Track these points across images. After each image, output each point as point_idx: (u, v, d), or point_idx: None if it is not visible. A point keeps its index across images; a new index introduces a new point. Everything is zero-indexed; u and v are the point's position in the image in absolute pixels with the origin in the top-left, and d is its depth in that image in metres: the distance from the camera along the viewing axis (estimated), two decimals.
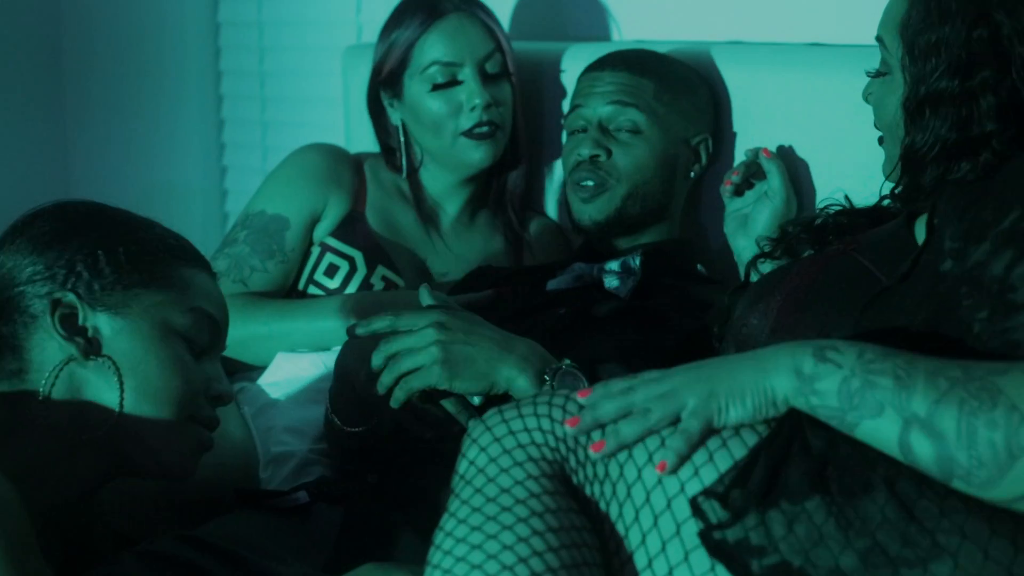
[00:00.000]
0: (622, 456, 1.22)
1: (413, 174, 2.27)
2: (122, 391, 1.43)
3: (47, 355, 1.43)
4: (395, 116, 2.26)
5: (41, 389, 1.42)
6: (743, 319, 1.50)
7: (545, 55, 2.34)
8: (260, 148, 3.17)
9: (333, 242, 2.19)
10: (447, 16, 2.17)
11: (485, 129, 2.17)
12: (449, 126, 2.18)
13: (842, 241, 1.54)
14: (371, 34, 2.84)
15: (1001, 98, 1.37)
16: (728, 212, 1.99)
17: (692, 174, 2.07)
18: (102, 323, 1.44)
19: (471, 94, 2.15)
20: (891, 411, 1.16)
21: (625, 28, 2.42)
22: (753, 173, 1.95)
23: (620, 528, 1.22)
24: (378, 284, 2.19)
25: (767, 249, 1.68)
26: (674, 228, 2.09)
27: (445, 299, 1.66)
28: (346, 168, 2.26)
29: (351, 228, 2.20)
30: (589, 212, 2.01)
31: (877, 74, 1.54)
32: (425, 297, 1.64)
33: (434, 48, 2.16)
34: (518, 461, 1.22)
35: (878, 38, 1.52)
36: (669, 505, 1.20)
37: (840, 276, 1.44)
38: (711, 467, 1.20)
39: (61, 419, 1.42)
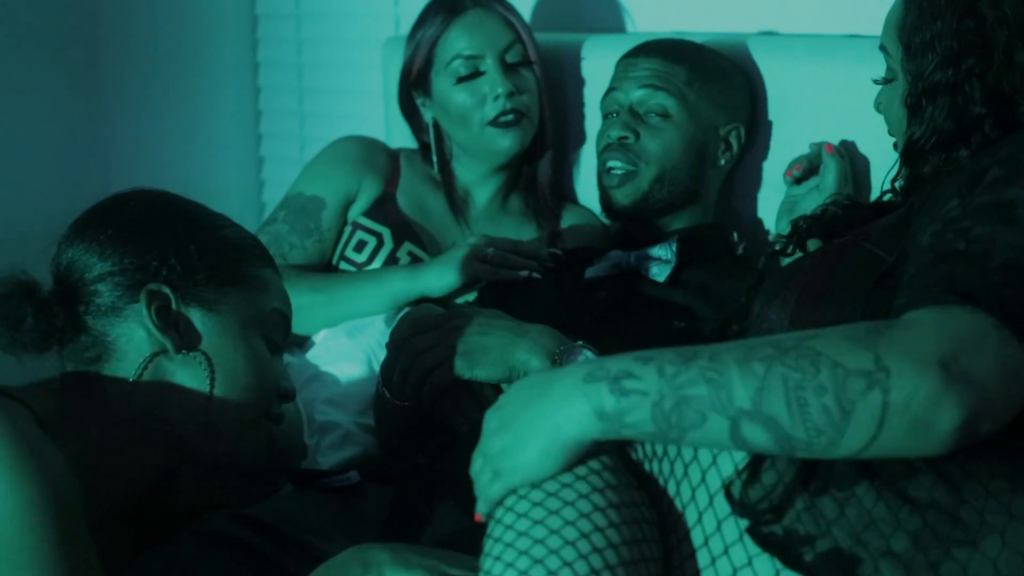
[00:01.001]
0: None
1: (446, 167, 2.35)
2: (212, 386, 1.44)
3: (134, 344, 1.43)
4: (427, 114, 2.34)
5: (129, 378, 1.42)
6: (762, 315, 1.53)
7: (565, 46, 2.39)
8: (297, 139, 3.21)
9: (364, 220, 2.29)
10: (466, 12, 2.25)
11: (510, 117, 2.23)
12: (475, 117, 2.24)
13: (850, 232, 1.57)
14: (409, 26, 2.88)
15: (987, 84, 1.46)
16: (785, 198, 2.04)
17: (723, 162, 2.10)
18: (195, 317, 1.45)
19: (493, 84, 2.22)
20: (714, 415, 1.14)
21: (643, 20, 2.47)
22: (814, 166, 2.00)
23: (678, 505, 1.22)
24: (404, 259, 2.26)
25: (779, 247, 1.72)
26: (707, 213, 2.12)
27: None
28: (382, 155, 2.36)
29: (381, 208, 2.29)
30: (617, 197, 2.06)
31: (884, 81, 1.61)
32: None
33: (456, 43, 2.24)
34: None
35: (881, 47, 1.60)
36: (723, 486, 1.21)
37: (851, 264, 1.47)
38: None
39: (143, 408, 1.42)
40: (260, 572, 1.53)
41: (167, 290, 1.43)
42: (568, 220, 2.37)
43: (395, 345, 1.71)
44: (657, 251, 2.00)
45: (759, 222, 2.17)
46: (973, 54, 1.47)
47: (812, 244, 1.68)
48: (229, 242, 1.50)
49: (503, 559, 1.17)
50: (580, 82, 2.38)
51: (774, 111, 2.13)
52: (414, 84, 2.32)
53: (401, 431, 1.84)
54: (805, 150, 2.02)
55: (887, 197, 1.66)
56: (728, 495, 1.19)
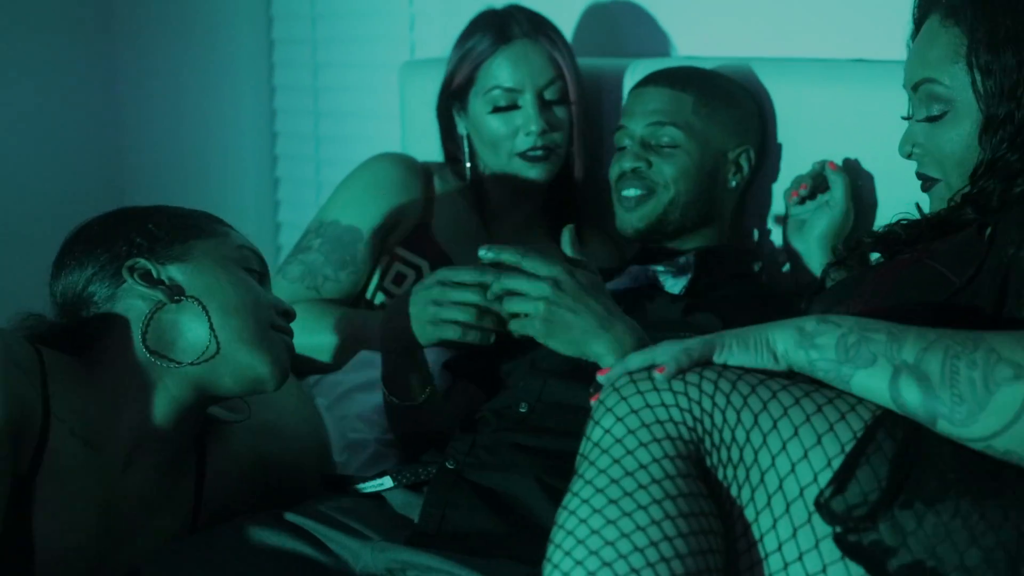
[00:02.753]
0: (756, 442, 1.25)
1: (477, 182, 2.37)
2: (209, 317, 1.63)
3: (135, 313, 1.63)
4: (462, 127, 2.37)
5: (135, 337, 1.62)
6: None
7: (606, 71, 2.43)
8: (313, 161, 3.26)
9: (402, 252, 2.30)
10: (513, 42, 2.28)
11: (539, 153, 2.27)
12: (506, 146, 2.29)
13: (914, 250, 1.59)
14: (424, 51, 2.94)
15: None
16: (790, 217, 2.09)
17: (734, 183, 2.15)
18: (174, 272, 1.65)
19: (528, 120, 2.27)
20: (883, 360, 1.24)
21: (683, 44, 2.51)
22: (818, 184, 2.05)
23: (750, 512, 1.25)
24: None
25: (842, 257, 1.74)
26: (722, 234, 2.17)
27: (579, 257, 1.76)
28: (417, 179, 2.35)
29: (419, 238, 2.31)
30: (631, 221, 2.11)
31: (931, 118, 1.59)
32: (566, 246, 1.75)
33: (498, 72, 2.27)
34: (656, 437, 1.25)
35: (924, 81, 1.58)
36: (802, 493, 1.23)
37: (916, 281, 1.49)
38: (841, 458, 1.23)
39: (155, 356, 1.62)
40: (289, 571, 1.58)
41: (143, 261, 1.64)
42: (591, 245, 2.40)
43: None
44: (674, 263, 2.06)
45: (771, 242, 2.22)
46: None
47: (873, 257, 1.70)
48: (180, 213, 1.72)
49: (573, 555, 1.21)
50: (620, 107, 2.39)
51: (785, 135, 2.18)
52: (453, 96, 2.36)
53: (412, 432, 1.90)
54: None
55: (960, 211, 1.63)
56: (818, 504, 1.21)
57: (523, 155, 2.28)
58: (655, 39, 2.54)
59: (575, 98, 2.30)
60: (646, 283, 2.06)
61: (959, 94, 1.56)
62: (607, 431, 1.27)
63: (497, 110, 2.28)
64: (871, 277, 1.56)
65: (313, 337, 2.15)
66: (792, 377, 1.31)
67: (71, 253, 1.68)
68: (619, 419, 1.27)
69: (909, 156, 1.65)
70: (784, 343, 1.30)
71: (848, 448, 1.23)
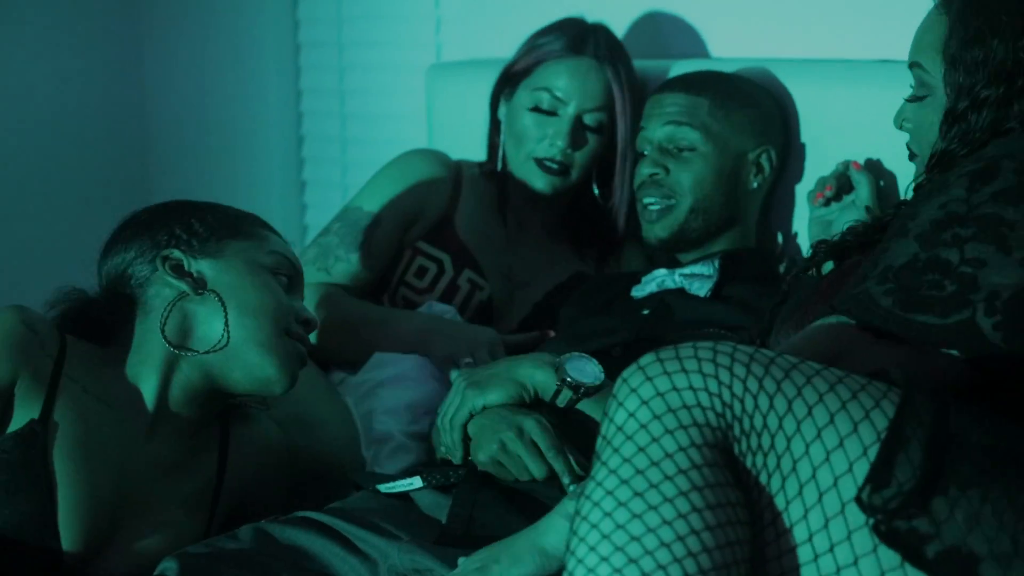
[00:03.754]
0: (790, 429, 1.22)
1: (504, 178, 2.37)
2: (226, 313, 1.72)
3: (161, 299, 1.74)
4: (501, 111, 2.38)
5: (157, 322, 1.72)
6: (780, 331, 1.60)
7: (649, 73, 2.40)
8: (340, 164, 3.28)
9: (424, 246, 2.32)
10: (582, 57, 2.28)
11: (554, 167, 2.28)
12: (528, 146, 2.30)
13: (862, 252, 1.62)
14: (450, 53, 2.95)
15: None
16: (812, 218, 2.09)
17: (755, 184, 2.15)
18: (204, 267, 1.75)
19: (557, 133, 2.27)
20: None
21: (722, 46, 2.51)
22: (842, 185, 2.05)
23: (780, 501, 1.22)
24: (464, 286, 2.31)
25: (801, 269, 1.76)
26: (748, 237, 2.18)
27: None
28: (446, 173, 2.37)
29: (441, 233, 2.33)
30: (655, 231, 2.12)
31: (914, 98, 1.65)
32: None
33: (556, 77, 2.28)
34: (683, 424, 1.21)
35: (914, 63, 1.63)
36: (836, 483, 1.20)
37: None
38: (878, 446, 1.21)
39: (173, 342, 1.72)
40: (313, 571, 1.60)
41: (177, 252, 1.74)
42: (630, 256, 2.41)
43: None
44: (699, 268, 2.07)
45: (797, 244, 2.23)
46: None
47: (827, 267, 1.73)
48: (224, 211, 1.81)
49: (598, 551, 1.19)
50: None
51: (808, 135, 2.19)
52: (508, 81, 2.36)
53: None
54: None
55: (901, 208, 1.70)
56: (858, 500, 1.19)
57: (538, 160, 2.29)
58: (686, 41, 2.54)
59: (621, 125, 2.28)
60: (672, 287, 2.07)
61: (937, 83, 1.60)
62: (631, 414, 1.23)
63: (536, 110, 2.29)
64: (823, 283, 1.59)
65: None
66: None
67: (120, 236, 1.78)
68: (644, 402, 1.23)
69: (901, 128, 1.69)
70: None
71: (883, 436, 1.20)
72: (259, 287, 1.74)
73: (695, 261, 2.12)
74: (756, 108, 2.16)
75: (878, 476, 1.19)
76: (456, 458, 1.76)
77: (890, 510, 1.17)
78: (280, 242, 1.82)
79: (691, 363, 1.23)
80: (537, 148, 2.29)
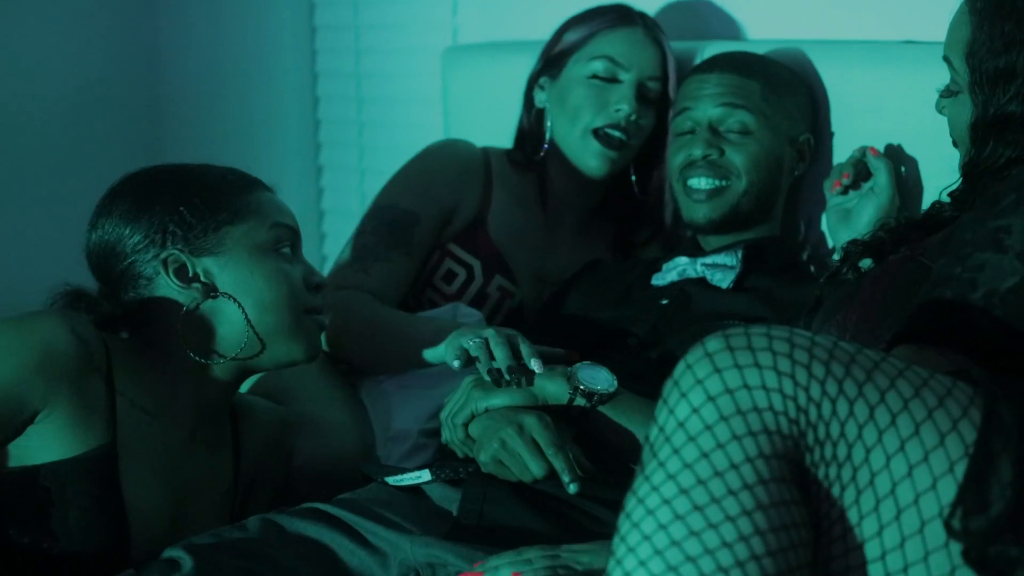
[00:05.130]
0: (870, 440, 1.12)
1: (543, 164, 2.30)
2: (245, 312, 1.68)
3: (175, 304, 1.67)
4: (541, 98, 2.30)
5: (177, 330, 1.67)
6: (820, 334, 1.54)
7: (682, 55, 2.35)
8: (356, 147, 3.24)
9: (455, 248, 2.24)
10: (635, 26, 2.23)
11: (616, 135, 2.20)
12: (586, 117, 2.21)
13: (903, 249, 1.57)
14: (466, 36, 2.92)
15: None
16: (830, 207, 2.04)
17: (797, 172, 2.12)
18: (209, 265, 1.68)
19: (621, 98, 2.19)
20: None
21: (757, 28, 2.45)
22: (860, 172, 2.00)
23: (853, 515, 1.14)
24: (494, 293, 2.25)
25: (834, 270, 1.71)
26: (775, 226, 2.14)
27: None
28: (478, 169, 2.29)
29: (473, 235, 2.25)
30: (704, 211, 2.06)
31: (947, 93, 1.61)
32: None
33: (611, 45, 2.21)
34: (752, 430, 1.11)
35: (945, 58, 1.59)
36: (916, 500, 1.12)
37: (907, 280, 1.47)
38: (965, 462, 1.13)
39: (197, 350, 1.68)
40: (328, 563, 1.58)
41: (176, 253, 1.67)
42: (648, 243, 2.36)
43: None
44: (722, 258, 2.02)
45: (820, 232, 2.17)
46: None
47: (864, 264, 1.68)
48: (211, 187, 1.72)
49: (649, 567, 1.11)
50: None
51: (836, 121, 2.14)
52: (549, 64, 2.29)
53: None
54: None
55: (940, 208, 1.66)
56: (948, 525, 1.11)
57: (598, 133, 2.20)
58: (729, 22, 2.48)
59: (668, 101, 2.23)
60: (694, 276, 2.03)
61: (964, 84, 1.56)
62: (695, 410, 1.12)
63: (596, 78, 2.21)
64: (867, 282, 1.53)
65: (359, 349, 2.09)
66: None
67: (115, 207, 1.70)
68: (711, 398, 1.12)
69: (940, 112, 1.66)
70: None
71: (971, 451, 1.11)
72: (270, 277, 1.69)
73: (718, 250, 2.07)
74: (797, 94, 2.12)
75: (970, 499, 1.11)
76: (458, 453, 1.74)
77: (982, 534, 1.09)
78: (272, 204, 1.74)
79: (765, 356, 1.13)
80: (598, 117, 2.20)
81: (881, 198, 1.97)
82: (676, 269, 2.04)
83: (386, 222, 2.20)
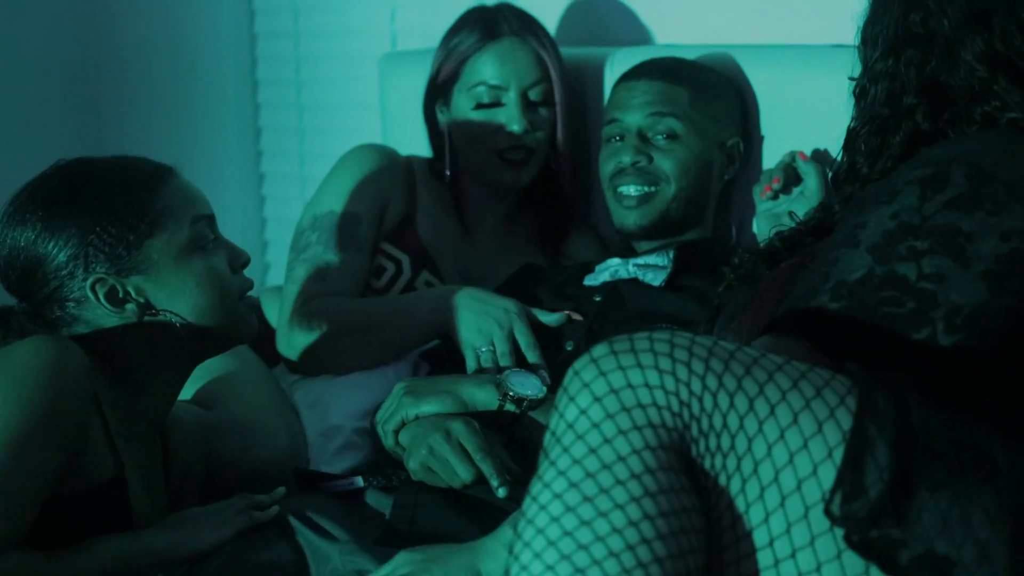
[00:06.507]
0: (751, 430, 1.16)
1: (456, 180, 2.33)
2: (183, 320, 1.66)
3: (110, 322, 1.64)
4: (443, 119, 2.33)
5: (123, 351, 1.65)
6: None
7: (589, 60, 2.40)
8: (297, 155, 3.24)
9: (385, 245, 2.25)
10: (501, 39, 2.24)
11: (519, 155, 2.24)
12: (486, 144, 2.25)
13: (794, 256, 1.59)
14: (405, 42, 2.92)
15: (924, 74, 1.47)
16: (760, 212, 2.06)
17: (726, 176, 2.14)
18: (138, 283, 1.64)
19: (510, 119, 2.22)
20: None
21: (663, 33, 2.48)
22: (789, 177, 2.01)
23: (740, 504, 1.17)
24: (421, 287, 2.25)
25: (730, 281, 1.73)
26: (707, 229, 2.15)
27: None
28: (401, 170, 2.31)
29: (402, 233, 2.27)
30: (634, 218, 2.08)
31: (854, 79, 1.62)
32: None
33: (484, 69, 2.24)
34: (637, 424, 1.15)
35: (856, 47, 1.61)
36: (799, 487, 1.15)
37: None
38: (843, 448, 1.15)
39: (139, 357, 1.67)
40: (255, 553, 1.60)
41: (103, 274, 1.63)
42: (576, 241, 2.38)
43: None
44: (654, 259, 2.04)
45: (752, 235, 2.19)
46: (914, 44, 1.47)
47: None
48: (124, 194, 1.65)
49: (543, 558, 1.14)
50: (602, 96, 2.37)
51: (767, 124, 2.16)
52: (437, 91, 2.32)
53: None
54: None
55: (830, 211, 1.66)
56: (828, 511, 1.14)
57: (502, 156, 2.24)
58: (636, 28, 2.51)
59: (560, 99, 2.26)
60: (626, 276, 2.04)
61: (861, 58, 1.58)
62: (583, 411, 1.16)
63: (480, 107, 2.24)
64: (759, 291, 1.56)
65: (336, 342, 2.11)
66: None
67: (18, 231, 1.64)
68: (597, 399, 1.16)
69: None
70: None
71: (848, 437, 1.15)
72: (202, 281, 1.67)
73: (650, 252, 2.08)
74: (725, 98, 2.14)
75: (847, 484, 1.13)
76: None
77: (862, 518, 1.12)
78: (184, 196, 1.69)
79: (647, 357, 1.17)
80: (496, 141, 2.24)
81: (811, 202, 1.98)
82: (608, 270, 2.06)
83: (329, 228, 2.20)
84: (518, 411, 1.67)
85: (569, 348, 1.95)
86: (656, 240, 2.11)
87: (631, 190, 2.07)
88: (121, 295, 1.64)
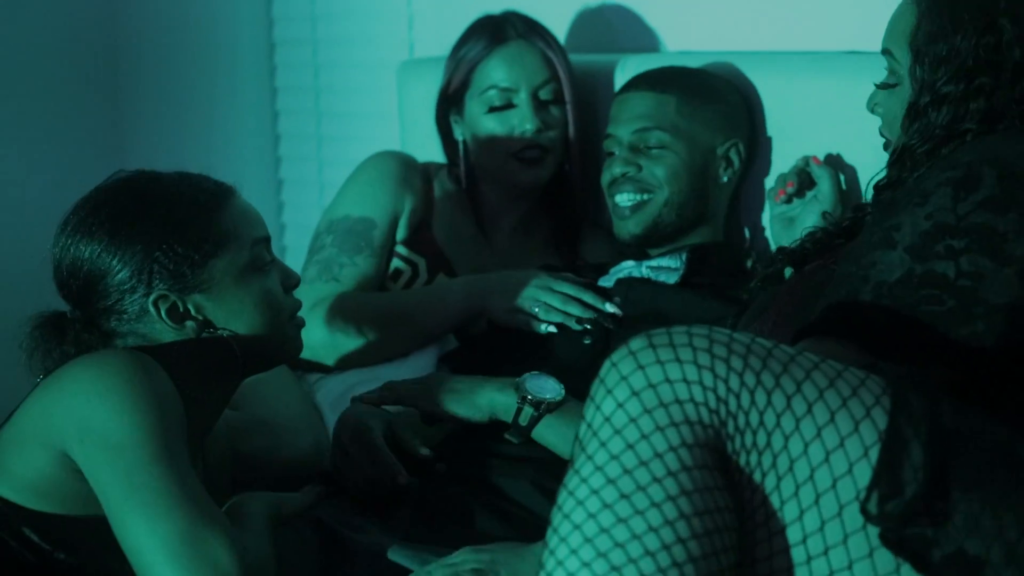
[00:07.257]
0: (788, 427, 1.16)
1: (473, 187, 2.38)
2: (236, 341, 1.67)
3: (166, 337, 1.66)
4: (458, 132, 2.37)
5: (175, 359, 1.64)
6: None
7: (599, 67, 2.43)
8: (316, 161, 3.27)
9: (401, 249, 2.30)
10: (508, 43, 2.29)
11: (535, 154, 2.29)
12: (502, 147, 2.29)
13: (822, 257, 1.62)
14: (423, 49, 2.95)
15: (992, 103, 1.49)
16: (773, 215, 2.09)
17: (725, 179, 2.16)
18: (199, 301, 1.66)
19: (523, 119, 2.27)
20: None
21: (674, 40, 2.50)
22: (803, 181, 2.04)
23: (775, 501, 1.17)
24: None
25: (760, 278, 1.76)
26: (717, 231, 2.18)
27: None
28: (418, 175, 2.36)
29: (418, 236, 2.31)
30: (628, 227, 2.12)
31: (884, 85, 1.64)
32: None
33: (493, 73, 2.29)
34: (674, 420, 1.16)
35: (885, 50, 1.63)
36: (834, 485, 1.16)
37: (819, 286, 1.50)
38: (878, 448, 1.16)
39: (194, 371, 1.65)
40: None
41: (166, 291, 1.64)
42: (589, 242, 2.41)
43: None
44: (666, 261, 2.07)
45: (764, 238, 2.22)
46: (987, 72, 1.49)
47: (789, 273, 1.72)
48: (189, 213, 1.66)
49: (580, 555, 1.15)
50: (611, 103, 2.37)
51: (774, 128, 2.18)
52: (449, 101, 2.37)
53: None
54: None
55: (863, 212, 1.69)
56: (864, 510, 1.15)
57: (518, 156, 2.28)
58: (646, 35, 2.54)
59: (570, 99, 2.31)
60: (639, 278, 2.07)
61: (904, 73, 1.58)
62: (620, 405, 1.17)
63: (493, 110, 2.29)
64: (783, 289, 1.58)
65: (355, 338, 2.17)
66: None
67: (83, 243, 1.65)
68: (635, 393, 1.16)
69: (872, 111, 1.68)
70: None
71: (884, 437, 1.15)
72: (259, 303, 1.69)
73: (663, 254, 2.11)
74: (723, 102, 2.16)
75: (884, 484, 1.15)
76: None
77: (897, 517, 1.14)
78: (246, 218, 1.71)
79: (686, 352, 1.17)
80: (511, 144, 2.28)
81: (824, 206, 2.01)
82: (622, 272, 2.09)
83: (343, 231, 2.26)
84: (536, 413, 1.70)
85: (587, 343, 1.98)
86: (659, 247, 2.14)
87: (624, 199, 2.12)
88: (182, 312, 1.65)
